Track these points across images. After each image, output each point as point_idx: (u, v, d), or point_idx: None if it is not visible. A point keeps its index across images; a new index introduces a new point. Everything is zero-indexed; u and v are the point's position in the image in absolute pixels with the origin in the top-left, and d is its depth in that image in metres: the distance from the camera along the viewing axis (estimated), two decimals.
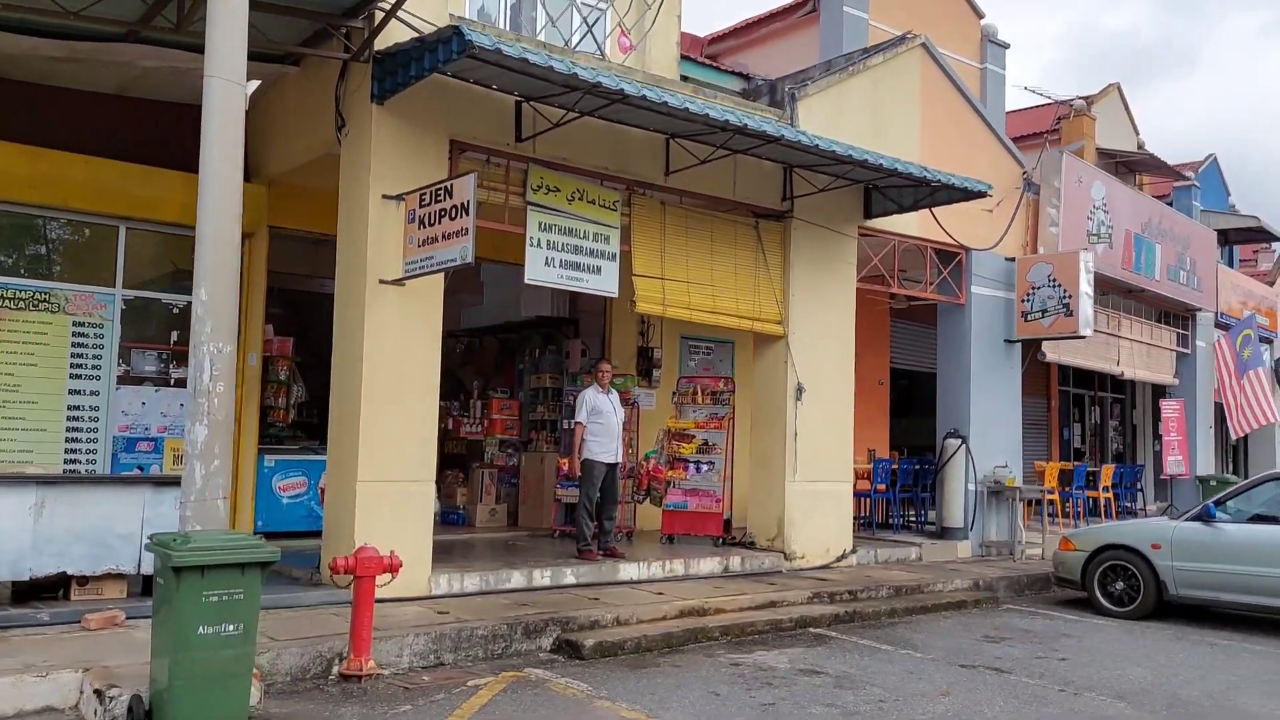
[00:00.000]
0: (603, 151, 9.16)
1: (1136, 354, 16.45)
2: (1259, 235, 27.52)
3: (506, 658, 6.91)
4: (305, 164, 9.00)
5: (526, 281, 8.67)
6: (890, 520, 13.41)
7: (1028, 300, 12.74)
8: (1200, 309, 18.13)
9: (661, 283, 9.64)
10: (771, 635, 7.98)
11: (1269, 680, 7.08)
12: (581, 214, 8.98)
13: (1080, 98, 22.50)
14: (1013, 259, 13.02)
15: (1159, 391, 19.07)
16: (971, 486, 12.47)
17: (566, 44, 10.77)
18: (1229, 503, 9.19)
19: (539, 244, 8.69)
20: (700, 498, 10.96)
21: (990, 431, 12.71)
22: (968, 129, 12.73)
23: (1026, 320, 12.76)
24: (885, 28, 15.75)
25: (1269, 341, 22.50)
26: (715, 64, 14.95)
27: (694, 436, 11.16)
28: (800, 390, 10.64)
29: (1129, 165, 23.15)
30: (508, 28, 11.31)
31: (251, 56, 8.56)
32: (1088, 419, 22.37)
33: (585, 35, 10.43)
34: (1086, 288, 12.28)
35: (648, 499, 11.21)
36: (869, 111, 11.52)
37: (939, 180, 9.93)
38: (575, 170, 9.00)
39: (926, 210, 11.67)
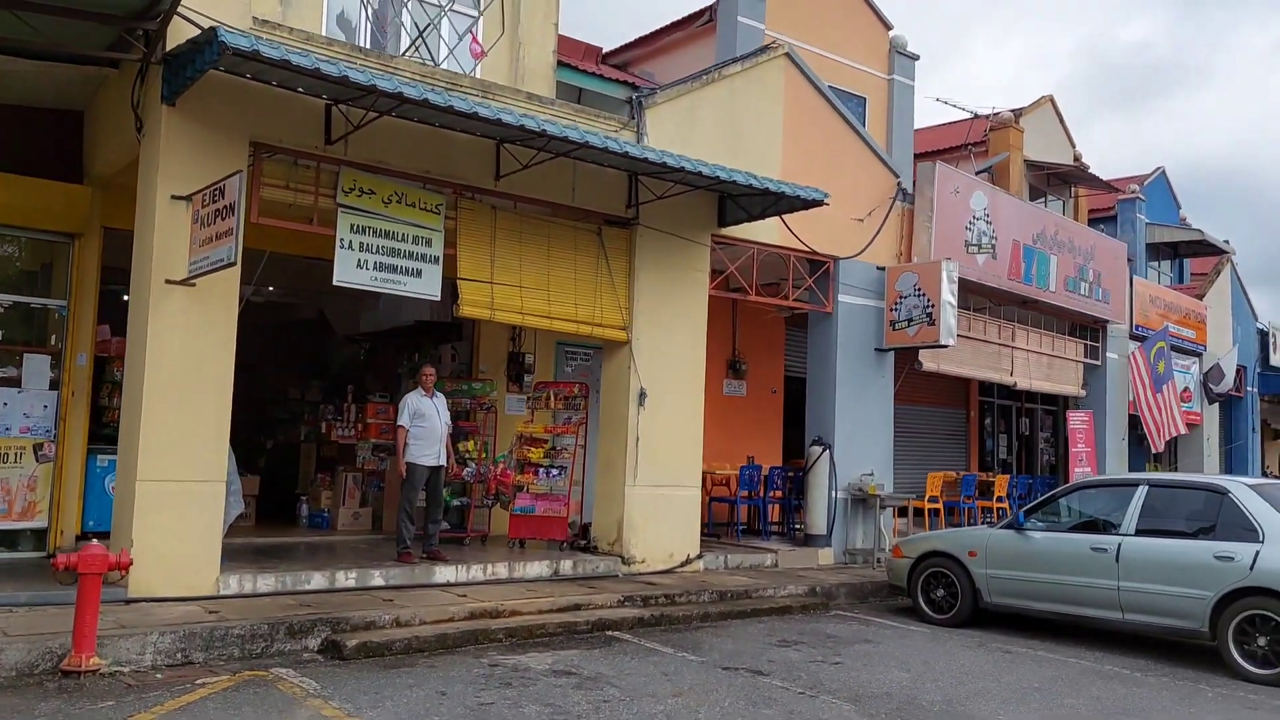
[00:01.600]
0: (425, 155, 9.21)
1: (1034, 365, 16.46)
2: (1206, 249, 27.62)
3: (266, 657, 6.92)
4: (126, 165, 9.01)
5: (335, 283, 8.71)
6: (760, 527, 13.42)
7: (896, 309, 12.79)
8: (1109, 321, 18.15)
9: (490, 286, 9.68)
10: (561, 638, 7.99)
11: (1025, 688, 7.08)
12: (400, 217, 9.03)
13: (1009, 110, 22.59)
14: (884, 268, 13.07)
15: None
16: (836, 494, 12.50)
17: (413, 51, 10.82)
18: (1042, 510, 9.21)
19: (350, 246, 8.75)
20: (548, 502, 10.97)
21: (858, 439, 12.74)
22: (836, 139, 12.78)
23: (894, 329, 12.80)
24: (785, 38, 15.83)
25: (1198, 355, 22.55)
26: (603, 73, 15.05)
27: (545, 441, 11.18)
28: (643, 395, 10.67)
29: (1062, 178, 23.20)
30: (368, 34, 11.39)
31: (65, 59, 8.78)
32: (1015, 430, 22.37)
33: (417, 41, 10.48)
34: (949, 297, 12.33)
35: (496, 503, 11.23)
36: (726, 121, 11.59)
37: (765, 188, 9.98)
38: (394, 173, 9.06)
39: (791, 218, 11.75)
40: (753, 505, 13.54)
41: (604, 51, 17.90)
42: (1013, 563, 8.98)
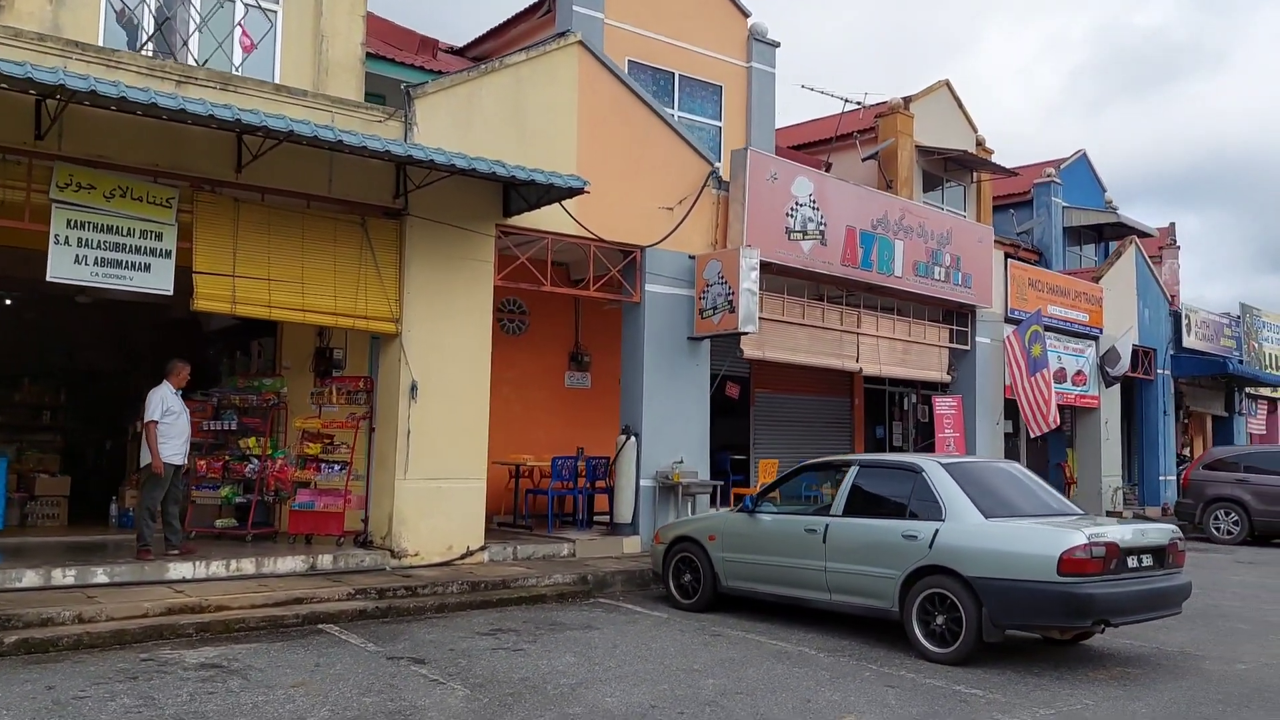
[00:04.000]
0: (154, 149, 9.15)
1: (885, 351, 16.40)
2: (1129, 231, 27.57)
3: None
4: None
5: (49, 279, 8.66)
6: (578, 517, 13.37)
7: (704, 297, 12.73)
8: (975, 305, 18.07)
9: (231, 280, 9.61)
10: (261, 632, 7.94)
11: (681, 670, 7.01)
12: (125, 211, 8.99)
13: (900, 96, 22.52)
14: (695, 257, 13.01)
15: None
16: (644, 482, 12.45)
17: (174, 51, 10.76)
18: (774, 492, 9.16)
19: (66, 241, 8.73)
20: (328, 497, 10.92)
21: (668, 428, 12.68)
22: (641, 128, 12.70)
23: (703, 317, 12.74)
24: (631, 28, 15.87)
25: (1094, 338, 22.47)
26: (429, 65, 14.97)
27: (327, 436, 11.13)
28: (414, 388, 10.62)
29: (959, 162, 23.13)
30: (149, 26, 11.31)
31: None
32: (915, 416, 22.32)
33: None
34: (749, 284, 12.26)
35: (277, 499, 11.19)
36: (510, 111, 11.51)
37: (513, 175, 9.93)
38: (118, 167, 9.00)
39: (596, 207, 11.72)
40: (571, 496, 13.48)
41: (459, 46, 17.86)
42: (743, 546, 8.93)
